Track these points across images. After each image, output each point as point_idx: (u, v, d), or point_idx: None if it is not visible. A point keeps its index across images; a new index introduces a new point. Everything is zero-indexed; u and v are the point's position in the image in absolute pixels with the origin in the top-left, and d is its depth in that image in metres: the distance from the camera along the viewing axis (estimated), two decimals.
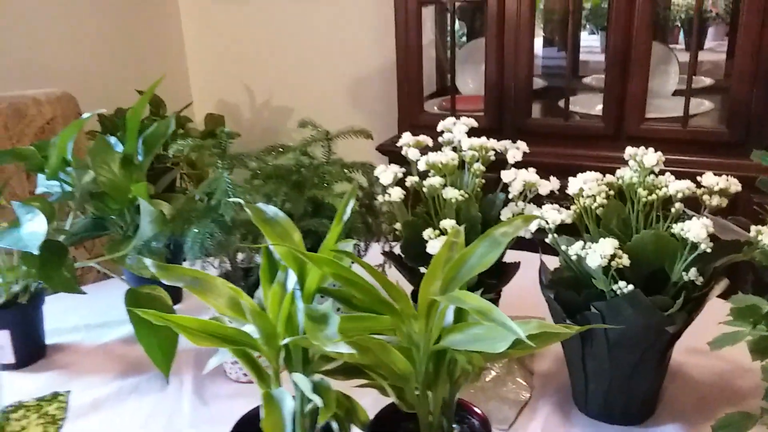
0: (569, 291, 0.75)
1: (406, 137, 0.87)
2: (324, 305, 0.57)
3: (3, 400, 0.78)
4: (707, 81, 2.06)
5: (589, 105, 1.92)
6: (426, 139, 0.87)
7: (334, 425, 0.60)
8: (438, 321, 0.54)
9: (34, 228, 0.79)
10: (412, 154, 0.84)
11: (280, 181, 0.82)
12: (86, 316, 1.09)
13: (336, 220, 0.60)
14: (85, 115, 1.00)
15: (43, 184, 1.03)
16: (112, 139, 1.02)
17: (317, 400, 0.51)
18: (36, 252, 0.78)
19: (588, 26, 2.49)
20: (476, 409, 0.64)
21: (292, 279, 0.60)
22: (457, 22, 2.38)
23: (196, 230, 0.78)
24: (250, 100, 2.74)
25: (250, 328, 0.56)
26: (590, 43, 2.44)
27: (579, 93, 2.13)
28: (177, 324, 0.54)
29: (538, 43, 2.36)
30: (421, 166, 0.80)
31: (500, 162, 0.86)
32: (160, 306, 0.88)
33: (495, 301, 0.89)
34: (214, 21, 2.65)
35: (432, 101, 2.21)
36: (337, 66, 2.52)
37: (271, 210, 0.64)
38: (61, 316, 1.06)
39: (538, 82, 2.20)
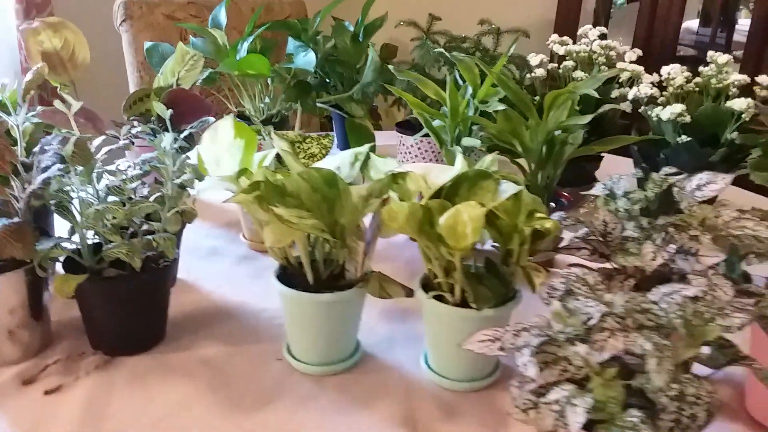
0: (649, 147, 1.09)
1: (554, 37, 1.24)
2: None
3: None
4: None
5: None
6: (567, 39, 1.24)
7: None
8: (554, 115, 0.92)
9: (309, 58, 1.26)
10: (557, 48, 1.21)
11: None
12: None
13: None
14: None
15: (292, 48, 1.49)
16: (346, 23, 1.47)
17: (476, 142, 0.92)
18: (313, 70, 1.25)
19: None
20: (564, 193, 1.02)
21: (469, 91, 1.01)
22: None
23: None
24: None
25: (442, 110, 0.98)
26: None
27: None
28: (409, 99, 0.97)
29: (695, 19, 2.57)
30: (561, 51, 1.17)
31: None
32: (366, 127, 1.33)
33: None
34: None
35: None
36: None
37: (468, 59, 1.05)
38: None
39: (689, 51, 2.44)
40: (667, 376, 0.47)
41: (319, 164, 0.74)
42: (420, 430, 0.69)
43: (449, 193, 0.70)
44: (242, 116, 1.44)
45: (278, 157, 0.81)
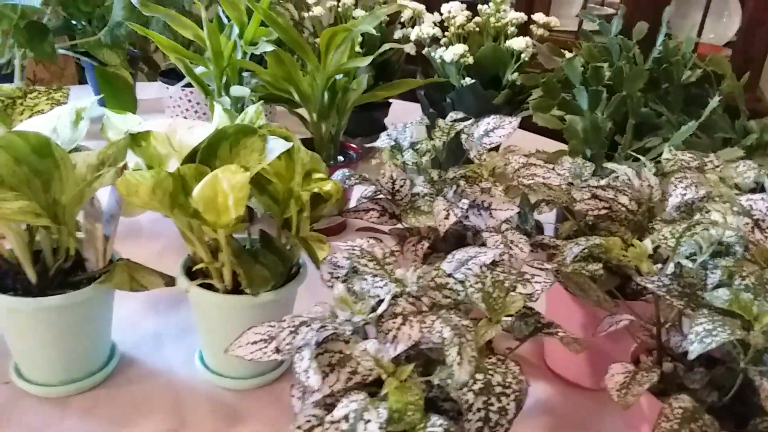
0: (435, 91, 1.04)
1: None
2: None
3: None
4: None
5: None
6: None
7: None
8: (333, 57, 0.81)
9: None
10: None
11: None
12: None
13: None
14: None
15: None
16: None
17: (245, 91, 0.78)
18: (38, 5, 1.00)
19: None
20: (353, 145, 0.93)
21: (235, 31, 0.86)
22: None
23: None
24: None
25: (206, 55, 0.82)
26: None
27: None
28: (160, 41, 0.79)
29: None
30: None
31: None
32: (121, 77, 1.12)
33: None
34: None
35: None
36: None
37: None
38: None
39: None
40: (470, 368, 0.40)
41: (26, 126, 0.56)
42: None
43: (206, 156, 0.56)
44: None
45: None
